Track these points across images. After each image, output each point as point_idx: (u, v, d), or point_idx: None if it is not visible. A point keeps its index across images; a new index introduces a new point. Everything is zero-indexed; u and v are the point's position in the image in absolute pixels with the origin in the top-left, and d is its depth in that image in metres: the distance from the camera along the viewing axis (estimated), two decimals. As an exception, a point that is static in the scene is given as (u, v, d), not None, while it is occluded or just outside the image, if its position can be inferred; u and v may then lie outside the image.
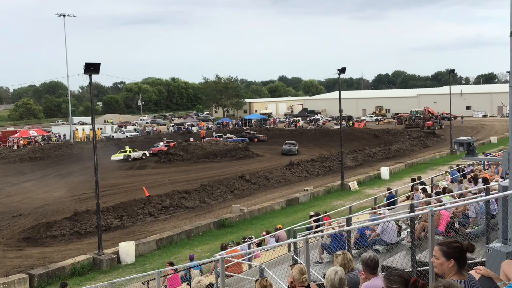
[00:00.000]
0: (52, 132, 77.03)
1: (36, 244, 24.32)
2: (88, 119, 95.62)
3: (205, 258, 18.50)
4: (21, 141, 66.69)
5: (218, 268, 11.80)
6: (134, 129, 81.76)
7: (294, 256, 11.75)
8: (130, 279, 15.42)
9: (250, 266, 13.06)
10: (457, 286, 2.81)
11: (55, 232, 25.46)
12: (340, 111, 39.37)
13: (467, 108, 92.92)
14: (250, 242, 16.97)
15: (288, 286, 5.98)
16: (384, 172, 38.68)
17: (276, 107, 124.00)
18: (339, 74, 35.06)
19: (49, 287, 18.56)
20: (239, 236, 22.10)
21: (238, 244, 17.95)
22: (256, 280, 5.68)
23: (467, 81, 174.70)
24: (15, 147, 65.01)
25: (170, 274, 14.95)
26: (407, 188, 25.63)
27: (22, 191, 38.55)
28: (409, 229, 11.68)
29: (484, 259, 6.48)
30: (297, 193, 32.95)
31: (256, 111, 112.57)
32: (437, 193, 16.84)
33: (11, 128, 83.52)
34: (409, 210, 13.45)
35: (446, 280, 3.05)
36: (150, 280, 14.30)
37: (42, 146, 65.69)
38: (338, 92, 37.74)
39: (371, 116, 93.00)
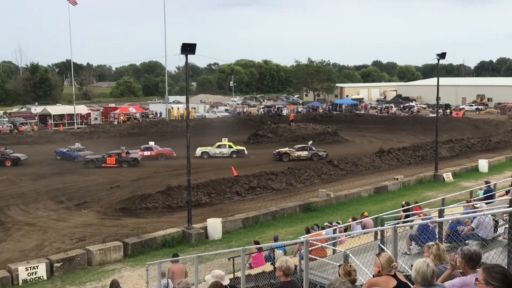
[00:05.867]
0: (149, 110, 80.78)
1: (131, 215, 25.78)
2: (182, 98, 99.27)
3: (289, 240, 18.61)
4: (121, 117, 70.67)
5: (302, 251, 11.78)
6: (226, 110, 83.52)
7: (380, 244, 11.47)
8: (216, 254, 15.88)
9: (334, 251, 12.92)
10: None
11: (149, 204, 26.81)
12: (437, 98, 37.57)
13: None
14: (336, 227, 16.78)
15: (374, 275, 5.82)
16: (483, 164, 36.46)
17: (368, 93, 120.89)
18: (438, 60, 33.31)
19: (142, 256, 19.56)
20: (324, 220, 21.93)
21: (322, 228, 17.84)
22: (340, 265, 5.58)
23: None
24: (116, 123, 69.05)
25: (255, 252, 15.22)
26: (506, 182, 24.01)
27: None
28: (507, 225, 10.96)
29: None
30: (386, 181, 32.05)
31: (347, 96, 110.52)
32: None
33: (113, 105, 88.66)
34: (508, 205, 12.60)
35: None
36: (236, 256, 14.63)
37: (140, 123, 69.22)
38: (436, 78, 35.96)
39: (471, 105, 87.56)
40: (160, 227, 23.08)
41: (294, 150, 43.06)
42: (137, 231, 22.56)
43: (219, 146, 44.83)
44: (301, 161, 40.26)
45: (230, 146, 44.82)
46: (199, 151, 44.19)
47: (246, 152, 45.04)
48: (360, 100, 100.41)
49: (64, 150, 44.41)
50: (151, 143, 45.40)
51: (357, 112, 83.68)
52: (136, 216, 25.55)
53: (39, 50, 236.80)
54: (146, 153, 43.05)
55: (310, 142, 45.30)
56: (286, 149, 43.57)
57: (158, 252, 19.86)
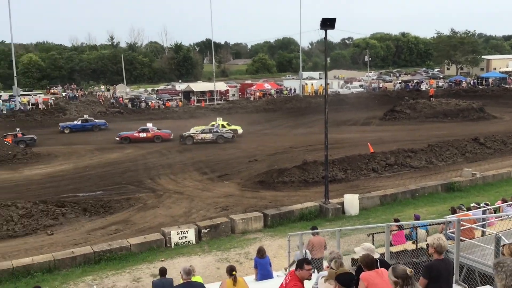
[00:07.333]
0: (284, 86, 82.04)
1: (269, 188, 26.70)
2: (316, 74, 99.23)
3: (430, 220, 17.92)
4: (257, 93, 72.75)
5: (449, 231, 11.33)
6: (360, 85, 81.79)
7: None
8: (356, 229, 15.90)
9: (483, 233, 12.20)
10: None
11: (286, 178, 27.51)
12: None
13: None
14: (485, 208, 15.79)
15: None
16: None
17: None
18: None
19: (280, 227, 20.24)
20: (469, 201, 20.69)
21: (468, 209, 16.90)
22: (504, 245, 5.31)
23: None
24: (252, 99, 71.37)
25: (395, 230, 14.94)
26: None
27: (257, 139, 42.42)
28: None
29: None
30: (541, 162, 29.26)
31: (494, 69, 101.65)
32: None
33: (249, 81, 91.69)
34: None
35: None
36: (375, 233, 14.53)
37: (274, 99, 70.72)
38: None
39: None
40: (296, 200, 23.60)
41: (198, 132, 40.95)
42: (275, 203, 23.32)
43: (213, 126, 43.72)
44: (206, 144, 39.49)
45: (225, 126, 43.70)
46: (193, 130, 43.23)
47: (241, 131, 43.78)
48: (510, 74, 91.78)
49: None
50: (149, 125, 44.30)
51: (506, 86, 76.77)
52: (274, 189, 26.41)
53: (182, 30, 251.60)
54: (142, 134, 42.38)
55: (216, 124, 42.84)
56: (190, 131, 41.41)
57: (296, 224, 20.37)
